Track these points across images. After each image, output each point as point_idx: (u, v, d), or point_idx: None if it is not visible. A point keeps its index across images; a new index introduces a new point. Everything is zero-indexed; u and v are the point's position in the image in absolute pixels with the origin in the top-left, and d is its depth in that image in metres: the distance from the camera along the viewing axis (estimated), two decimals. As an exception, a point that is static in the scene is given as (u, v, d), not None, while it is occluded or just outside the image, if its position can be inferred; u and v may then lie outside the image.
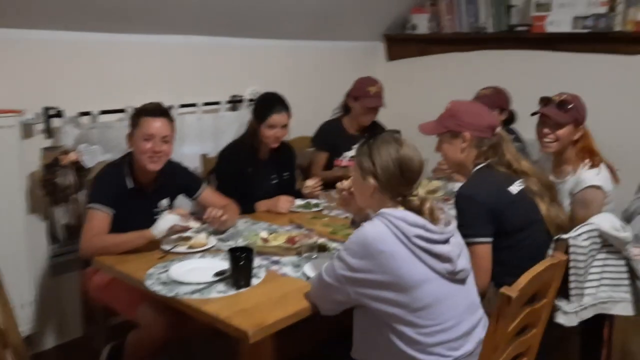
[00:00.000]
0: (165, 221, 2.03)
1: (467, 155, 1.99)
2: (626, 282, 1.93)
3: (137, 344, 2.01)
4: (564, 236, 1.75)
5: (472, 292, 1.60)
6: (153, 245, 2.05)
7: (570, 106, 2.21)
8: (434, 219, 1.54)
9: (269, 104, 2.66)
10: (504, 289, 1.38)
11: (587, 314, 1.88)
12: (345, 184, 1.85)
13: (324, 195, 2.61)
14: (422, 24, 3.79)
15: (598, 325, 2.08)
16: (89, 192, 2.21)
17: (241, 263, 1.73)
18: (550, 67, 3.32)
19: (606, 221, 1.86)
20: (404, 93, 3.85)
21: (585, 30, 3.08)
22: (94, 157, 2.48)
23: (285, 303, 1.66)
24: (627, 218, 2.22)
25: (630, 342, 2.24)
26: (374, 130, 3.25)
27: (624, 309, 1.94)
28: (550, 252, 1.79)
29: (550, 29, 3.19)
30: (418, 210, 1.56)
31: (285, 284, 1.80)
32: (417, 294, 1.47)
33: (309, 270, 1.87)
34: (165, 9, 2.63)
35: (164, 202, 2.31)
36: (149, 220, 2.21)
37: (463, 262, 1.55)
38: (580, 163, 2.19)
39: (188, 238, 2.12)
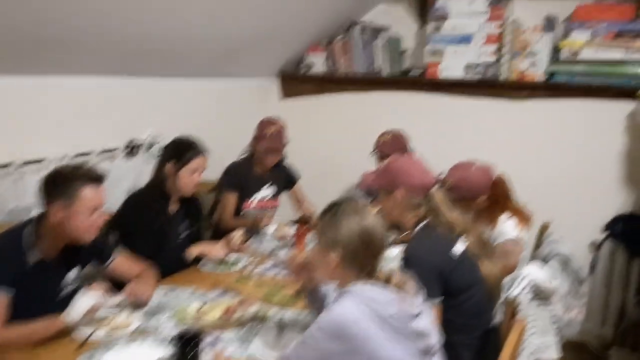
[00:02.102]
0: (81, 304, 1.74)
1: (401, 213, 1.99)
2: (553, 327, 2.05)
3: None
4: (512, 294, 1.80)
5: None
6: (64, 331, 1.74)
7: (451, 192, 2.23)
8: (402, 293, 1.49)
9: (190, 147, 2.47)
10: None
11: (526, 363, 1.96)
12: (298, 256, 1.72)
13: (247, 250, 2.46)
14: (318, 63, 3.80)
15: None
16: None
17: (189, 355, 1.53)
18: (443, 109, 3.50)
19: (539, 273, 1.96)
20: (298, 131, 3.80)
21: (476, 77, 3.29)
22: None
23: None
24: (539, 261, 2.37)
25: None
26: (280, 172, 3.17)
27: (552, 353, 2.05)
28: (499, 312, 1.83)
29: (444, 75, 3.36)
30: (385, 285, 1.49)
31: (238, 370, 1.63)
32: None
33: (257, 349, 1.71)
34: (49, 48, 2.28)
35: (72, 275, 1.99)
36: (55, 298, 1.91)
37: (434, 335, 1.51)
38: (497, 215, 2.30)
39: (106, 318, 1.83)
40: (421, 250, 1.85)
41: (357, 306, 1.41)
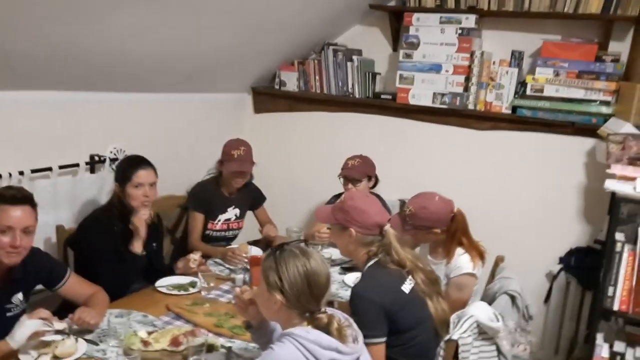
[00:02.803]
0: (25, 328, 1.74)
1: (354, 250, 2.03)
2: (497, 363, 2.10)
3: None
4: (454, 337, 1.84)
5: None
6: (10, 354, 1.74)
7: (409, 220, 2.35)
8: (343, 338, 1.52)
9: (132, 163, 2.52)
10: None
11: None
12: (245, 294, 1.74)
13: (204, 272, 2.47)
14: (290, 81, 3.82)
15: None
16: None
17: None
18: (411, 135, 3.56)
19: (482, 312, 2.01)
20: (270, 147, 3.84)
21: (443, 106, 3.34)
22: None
23: None
24: (489, 297, 2.43)
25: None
26: (247, 193, 3.19)
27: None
28: (441, 352, 1.87)
29: (413, 101, 3.41)
30: (326, 329, 1.52)
31: (178, 404, 1.64)
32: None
33: (201, 381, 1.73)
34: (11, 62, 2.26)
35: (18, 296, 1.99)
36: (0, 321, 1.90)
37: (371, 380, 1.54)
38: (454, 249, 2.35)
39: (50, 343, 1.83)
40: (368, 289, 1.88)
41: (296, 349, 1.44)
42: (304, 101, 3.82)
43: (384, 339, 1.85)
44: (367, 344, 1.73)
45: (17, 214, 1.83)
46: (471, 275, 2.30)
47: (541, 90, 3.09)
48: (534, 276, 3.25)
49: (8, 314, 1.96)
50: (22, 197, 1.87)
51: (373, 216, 2.00)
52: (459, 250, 2.34)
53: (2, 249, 1.82)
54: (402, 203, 3.26)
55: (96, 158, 2.86)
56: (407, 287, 1.93)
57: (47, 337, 1.81)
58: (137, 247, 2.44)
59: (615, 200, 2.41)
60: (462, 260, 2.32)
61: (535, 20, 3.18)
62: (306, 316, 1.54)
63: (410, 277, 1.97)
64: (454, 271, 2.32)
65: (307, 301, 1.53)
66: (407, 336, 1.90)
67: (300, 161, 3.93)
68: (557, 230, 3.23)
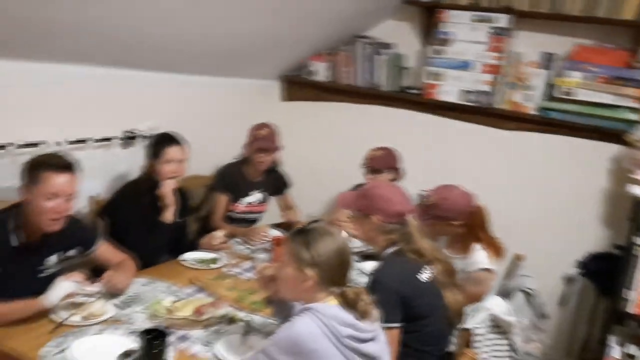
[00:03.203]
0: (60, 289, 1.84)
1: (375, 237, 2.07)
2: (509, 358, 2.14)
3: None
4: (468, 326, 1.89)
5: None
6: (41, 313, 1.83)
7: (430, 210, 2.41)
8: (366, 314, 1.57)
9: (163, 140, 2.61)
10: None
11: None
12: (267, 270, 1.80)
13: (227, 250, 2.54)
14: (320, 71, 3.87)
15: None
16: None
17: (154, 350, 1.62)
18: (437, 130, 3.58)
19: (497, 305, 2.05)
20: (296, 134, 3.89)
21: (470, 104, 3.37)
22: (-36, 199, 2.16)
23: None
24: (505, 293, 2.47)
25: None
26: (272, 177, 3.26)
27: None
28: (454, 340, 1.92)
29: (440, 97, 3.44)
30: (353, 304, 1.57)
31: (199, 369, 1.72)
32: (343, 394, 1.48)
33: (221, 350, 1.80)
34: (52, 35, 2.34)
35: (52, 259, 2.08)
36: (33, 280, 2.01)
37: (386, 359, 1.60)
38: (473, 244, 2.39)
39: (81, 304, 1.93)
40: (387, 275, 1.92)
41: (315, 323, 1.50)
42: (332, 91, 3.87)
43: (398, 325, 1.89)
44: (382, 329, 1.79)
45: (62, 181, 1.90)
46: (489, 270, 2.33)
47: (570, 94, 3.10)
48: (550, 277, 3.25)
49: (40, 275, 2.05)
50: (68, 165, 1.94)
51: (396, 205, 2.04)
52: (477, 246, 2.37)
53: (46, 215, 1.90)
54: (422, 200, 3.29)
55: (130, 134, 2.96)
56: (424, 276, 1.97)
57: (79, 299, 1.91)
58: (168, 216, 2.51)
59: (637, 205, 2.42)
60: (479, 256, 2.35)
61: (568, 23, 3.17)
62: (334, 291, 1.59)
63: (427, 267, 2.00)
64: (472, 266, 2.35)
65: (339, 277, 1.59)
66: (421, 323, 1.93)
67: (325, 150, 3.98)
68: (577, 234, 3.23)
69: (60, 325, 1.82)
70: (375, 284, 1.90)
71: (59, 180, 1.89)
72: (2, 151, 2.34)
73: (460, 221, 2.41)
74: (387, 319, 1.84)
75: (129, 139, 2.96)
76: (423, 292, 1.94)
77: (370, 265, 2.74)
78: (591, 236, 3.22)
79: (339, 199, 2.20)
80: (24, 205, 1.94)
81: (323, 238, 1.59)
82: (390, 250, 2.02)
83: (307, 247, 1.58)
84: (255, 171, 3.14)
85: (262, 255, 2.63)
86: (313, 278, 1.56)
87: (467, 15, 3.31)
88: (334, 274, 1.58)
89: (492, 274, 2.34)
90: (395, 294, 1.88)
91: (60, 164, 1.92)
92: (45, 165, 1.90)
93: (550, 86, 3.20)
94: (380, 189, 2.09)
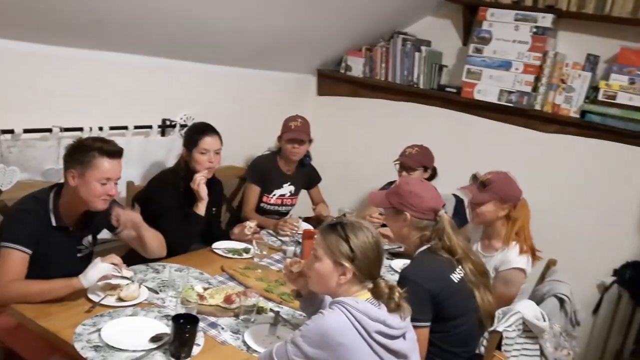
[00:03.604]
0: (97, 270, 1.88)
1: (408, 234, 2.06)
2: (538, 363, 2.10)
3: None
4: (499, 329, 1.86)
5: None
6: (78, 293, 1.89)
7: (488, 186, 2.38)
8: (397, 308, 1.56)
9: (199, 130, 2.64)
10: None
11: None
12: (294, 266, 1.80)
13: (258, 241, 2.56)
14: (356, 66, 3.87)
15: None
16: (5, 227, 1.96)
17: (185, 335, 1.65)
18: (473, 129, 3.54)
19: (529, 309, 2.01)
20: (330, 129, 3.90)
21: (509, 104, 3.31)
22: (11, 178, 2.24)
23: (229, 380, 1.61)
24: (538, 297, 2.42)
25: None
26: (304, 171, 3.27)
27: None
28: (484, 342, 1.89)
29: (478, 96, 3.40)
30: (387, 297, 1.57)
31: (227, 356, 1.74)
32: (370, 390, 1.48)
33: (249, 339, 1.82)
34: (99, 25, 2.42)
35: (88, 239, 2.15)
36: (70, 259, 2.07)
37: (415, 357, 1.59)
38: (509, 243, 2.35)
39: (117, 286, 1.97)
40: (418, 273, 1.90)
41: (345, 317, 1.50)
42: (368, 87, 3.86)
43: (427, 324, 1.88)
44: None
45: (114, 167, 1.99)
46: (520, 270, 2.29)
47: (613, 97, 3.02)
48: (584, 285, 3.18)
49: (78, 255, 2.12)
50: (118, 151, 2.02)
51: (428, 200, 2.03)
52: (513, 243, 2.34)
53: (99, 197, 1.98)
54: (457, 197, 3.26)
55: (168, 122, 3.01)
56: (456, 276, 1.95)
57: (114, 281, 1.95)
58: (201, 209, 2.55)
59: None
60: (512, 254, 2.31)
61: (614, 26, 3.09)
62: (368, 284, 1.59)
63: (460, 266, 1.98)
64: (504, 265, 2.31)
65: (375, 270, 1.60)
66: (451, 324, 1.92)
67: (358, 146, 3.98)
68: (615, 241, 3.16)
69: (96, 305, 1.87)
70: (406, 281, 1.88)
71: (112, 165, 1.97)
72: (48, 134, 2.41)
73: (510, 207, 2.37)
74: (416, 317, 1.82)
75: (167, 127, 3.01)
76: (455, 292, 1.92)
77: (400, 263, 2.74)
78: (629, 244, 3.14)
79: (370, 197, 2.19)
80: (66, 186, 1.99)
81: (361, 231, 1.59)
82: (423, 248, 2.00)
83: (345, 240, 1.57)
84: (288, 163, 3.16)
85: (292, 248, 2.64)
86: (351, 271, 1.56)
87: (510, 14, 3.26)
88: (370, 267, 1.58)
89: (523, 275, 2.30)
90: (426, 292, 1.86)
91: (113, 151, 1.99)
92: (100, 150, 1.96)
93: (593, 89, 3.13)
94: (411, 185, 2.08)
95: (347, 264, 1.56)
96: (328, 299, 1.78)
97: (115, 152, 2.00)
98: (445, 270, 1.95)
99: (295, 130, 3.05)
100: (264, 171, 3.14)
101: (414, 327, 1.81)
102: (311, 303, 1.82)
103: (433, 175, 3.22)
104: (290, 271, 1.79)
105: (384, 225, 3.07)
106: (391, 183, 3.28)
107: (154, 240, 2.25)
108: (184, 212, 2.54)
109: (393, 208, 2.07)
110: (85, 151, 1.96)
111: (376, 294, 1.58)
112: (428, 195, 2.05)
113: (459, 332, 1.94)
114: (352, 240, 1.57)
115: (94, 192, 1.96)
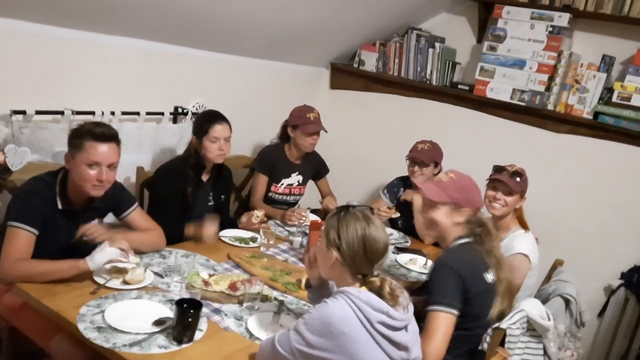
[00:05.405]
0: (104, 254, 1.89)
1: (456, 229, 2.00)
2: (541, 362, 2.09)
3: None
4: (502, 326, 1.85)
5: None
6: (84, 275, 1.90)
7: (521, 178, 2.47)
8: (395, 302, 1.57)
9: (209, 118, 2.64)
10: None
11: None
12: (311, 250, 1.80)
13: (265, 230, 2.57)
14: (369, 61, 3.85)
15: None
16: (13, 207, 1.97)
17: (188, 320, 1.66)
18: (484, 128, 3.52)
19: (534, 308, 2.00)
20: (342, 122, 3.90)
21: (522, 103, 3.29)
22: (22, 159, 2.26)
23: (230, 366, 1.61)
24: (544, 297, 2.41)
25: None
26: (312, 161, 3.27)
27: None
28: (487, 338, 1.88)
29: (491, 94, 3.37)
30: (378, 292, 1.57)
31: (230, 342, 1.75)
32: (370, 379, 1.48)
33: (252, 326, 1.83)
34: (115, 9, 2.43)
35: (94, 223, 2.15)
36: (76, 243, 2.07)
37: (417, 350, 1.59)
38: (511, 230, 2.38)
39: (122, 270, 1.99)
40: (456, 261, 1.88)
41: (348, 307, 1.50)
42: (381, 82, 3.85)
43: (455, 312, 1.81)
44: (438, 310, 1.79)
45: (104, 150, 1.96)
46: (524, 256, 2.29)
47: (628, 99, 2.99)
48: (591, 287, 3.17)
49: (85, 238, 2.12)
50: (110, 135, 1.99)
51: (480, 197, 2.06)
52: (518, 231, 2.35)
53: (88, 182, 1.96)
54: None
55: (180, 110, 3.02)
56: (489, 276, 1.93)
57: (120, 264, 1.97)
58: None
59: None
60: (517, 240, 2.33)
61: (632, 27, 3.06)
62: (358, 277, 1.59)
63: (492, 270, 1.95)
64: (508, 250, 2.32)
65: (361, 263, 1.59)
66: (471, 324, 1.88)
67: (368, 140, 3.97)
68: (623, 244, 3.13)
69: (101, 287, 1.88)
70: (442, 265, 1.86)
71: (100, 149, 1.95)
72: (59, 116, 2.43)
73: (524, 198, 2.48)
74: (445, 300, 1.80)
75: (179, 114, 3.02)
76: (484, 292, 1.89)
77: (406, 258, 2.73)
78: (638, 248, 3.10)
79: (424, 189, 2.06)
80: (69, 170, 2.01)
81: (353, 222, 1.59)
82: (462, 241, 1.97)
83: (335, 228, 1.60)
84: (296, 153, 3.16)
85: (298, 238, 2.65)
86: (334, 258, 1.58)
87: (526, 12, 3.23)
88: (356, 260, 1.58)
89: (527, 262, 2.30)
90: (460, 280, 1.83)
91: (102, 133, 1.97)
92: (89, 134, 1.95)
93: (607, 90, 3.10)
94: (467, 180, 2.04)
95: (333, 251, 1.59)
96: (334, 288, 1.78)
97: (105, 136, 1.96)
98: (481, 267, 1.92)
99: (315, 122, 3.05)
100: (271, 160, 3.14)
101: (439, 311, 1.80)
102: (320, 294, 1.81)
103: (439, 171, 3.21)
104: (308, 259, 1.79)
105: (391, 219, 3.08)
106: (402, 178, 3.28)
107: (147, 247, 2.22)
108: (191, 200, 2.54)
109: (453, 203, 1.99)
110: (77, 135, 1.96)
111: (369, 288, 1.57)
112: (478, 191, 2.06)
113: (471, 335, 1.90)
114: (341, 230, 1.58)
115: (83, 175, 1.95)
